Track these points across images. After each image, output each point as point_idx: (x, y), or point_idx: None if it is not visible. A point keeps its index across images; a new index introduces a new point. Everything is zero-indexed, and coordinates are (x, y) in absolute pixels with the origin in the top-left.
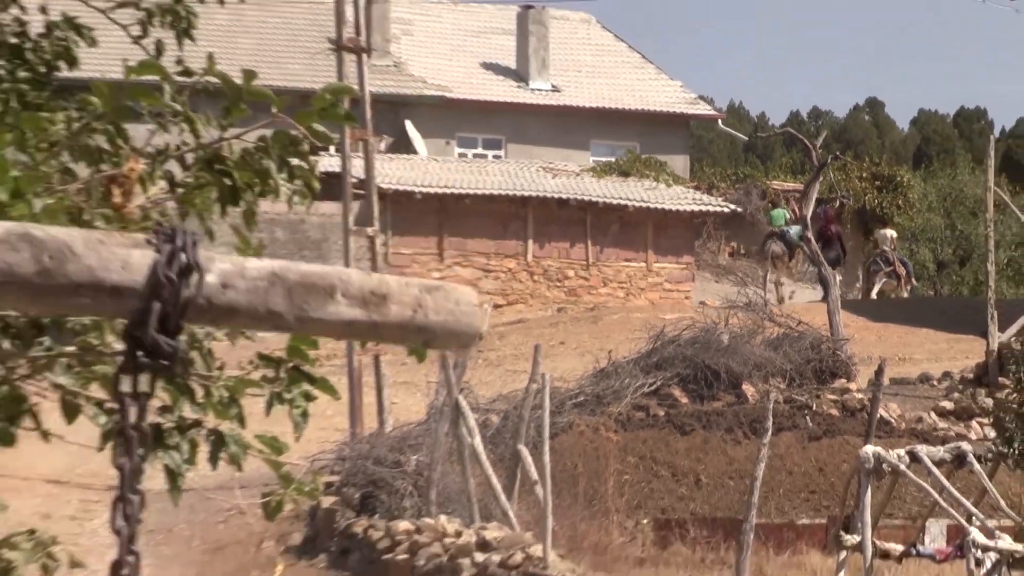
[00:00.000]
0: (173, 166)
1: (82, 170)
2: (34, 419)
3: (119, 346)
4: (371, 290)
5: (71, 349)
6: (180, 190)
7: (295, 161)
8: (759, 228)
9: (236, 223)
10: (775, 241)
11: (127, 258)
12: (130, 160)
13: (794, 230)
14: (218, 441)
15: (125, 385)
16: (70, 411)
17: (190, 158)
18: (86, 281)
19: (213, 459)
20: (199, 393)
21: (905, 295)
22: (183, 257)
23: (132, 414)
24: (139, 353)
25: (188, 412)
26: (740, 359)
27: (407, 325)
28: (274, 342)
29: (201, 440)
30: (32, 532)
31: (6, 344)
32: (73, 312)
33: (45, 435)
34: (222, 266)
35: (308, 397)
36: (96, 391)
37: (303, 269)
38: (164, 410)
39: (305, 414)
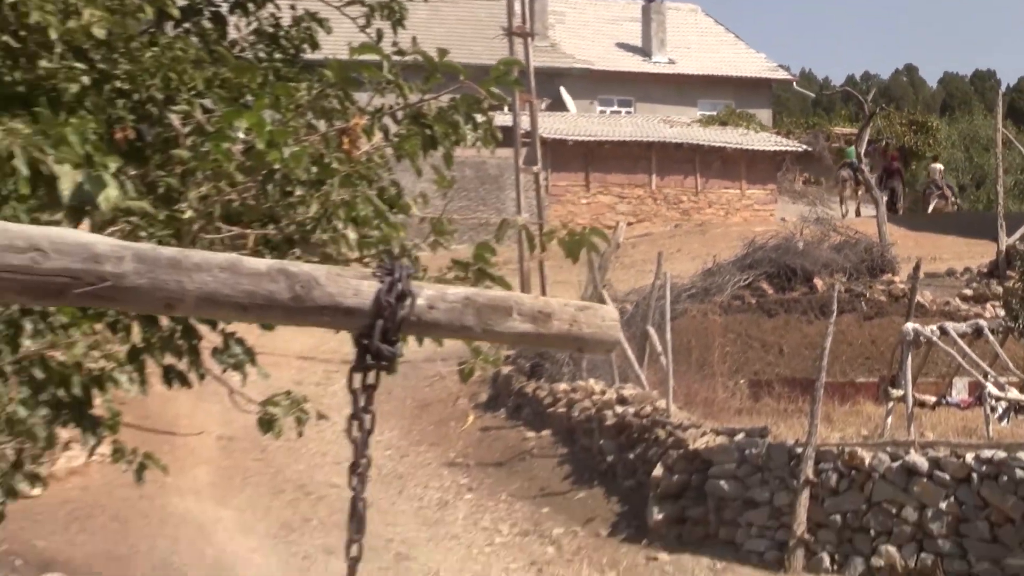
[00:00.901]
0: (388, 121)
1: (321, 126)
2: None
3: (351, 254)
4: (539, 310)
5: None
6: (394, 139)
7: (478, 117)
8: (825, 163)
9: (436, 164)
10: (845, 169)
11: (358, 287)
12: (356, 117)
13: (848, 153)
14: None
15: (356, 381)
16: None
17: (400, 115)
18: (327, 304)
19: (420, 338)
20: None
21: (951, 210)
22: (399, 286)
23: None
24: (367, 357)
25: None
26: (811, 260)
27: (565, 336)
28: (463, 252)
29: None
30: (288, 394)
31: (267, 253)
32: (317, 327)
33: None
34: (428, 292)
35: (490, 288)
36: None
37: (488, 294)
38: None
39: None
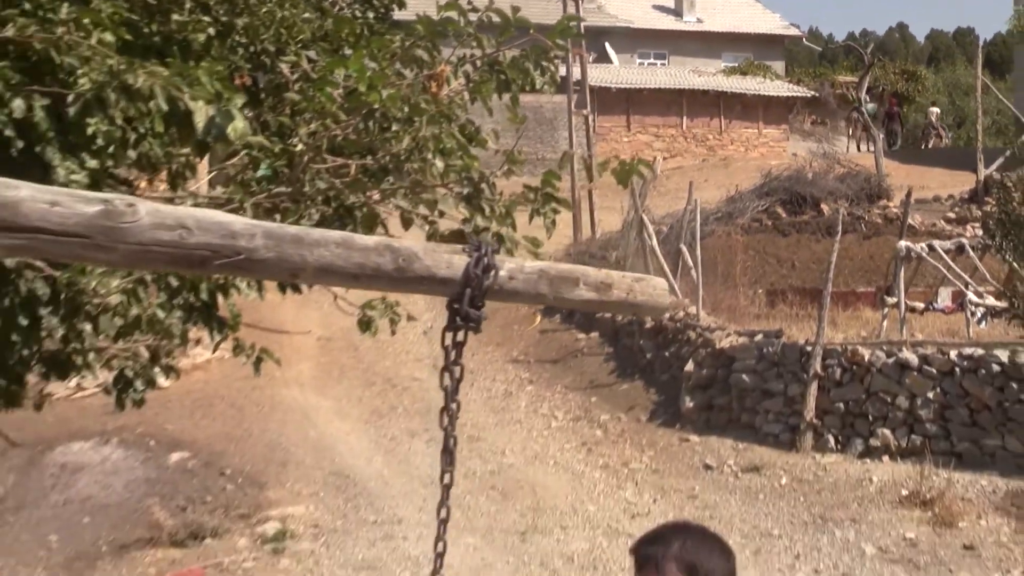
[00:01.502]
0: (468, 69)
1: (409, 73)
2: (383, 228)
3: (437, 182)
4: (601, 281)
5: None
6: (472, 84)
7: (545, 64)
8: (829, 107)
9: (506, 106)
10: (854, 111)
11: (450, 260)
12: (441, 66)
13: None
14: (499, 239)
15: (448, 339)
16: (406, 222)
17: (478, 63)
18: (425, 275)
19: (496, 251)
20: (487, 211)
21: (944, 146)
22: (485, 260)
23: (453, 355)
24: (457, 319)
25: (480, 222)
26: (819, 188)
27: (623, 303)
28: (526, 182)
29: (489, 239)
30: (383, 298)
31: (366, 180)
32: (416, 293)
33: (391, 237)
34: (509, 265)
35: (555, 211)
36: (422, 210)
37: (560, 267)
38: (464, 221)
39: (554, 223)
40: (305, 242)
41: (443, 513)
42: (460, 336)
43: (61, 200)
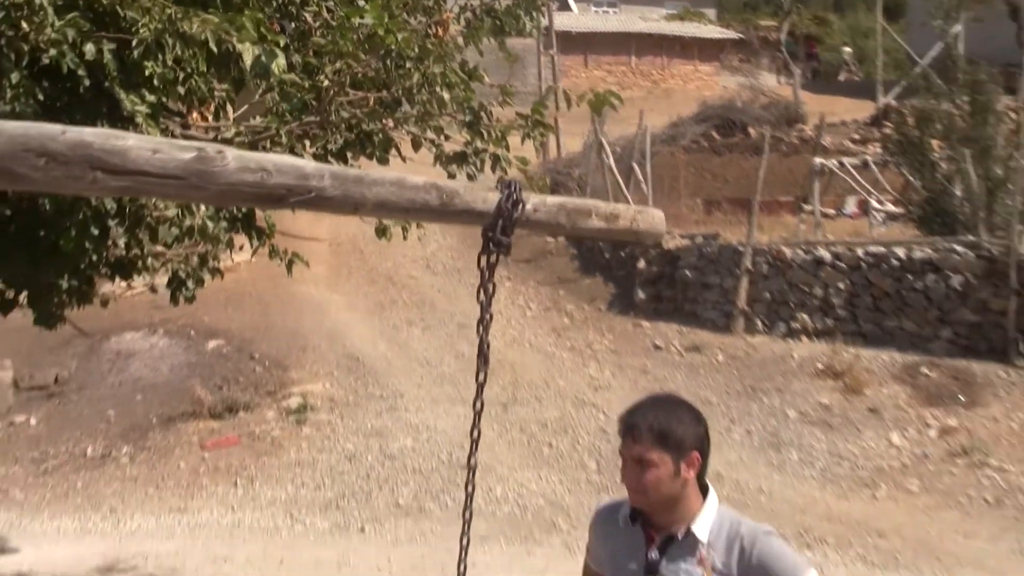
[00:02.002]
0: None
1: (415, 21)
2: (397, 150)
3: (442, 111)
4: (610, 212)
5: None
6: (471, 27)
7: (535, 12)
8: (753, 47)
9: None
10: (777, 51)
11: (486, 197)
12: (444, 14)
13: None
14: (495, 159)
15: (483, 262)
16: (416, 145)
17: (477, 12)
18: (464, 209)
19: (493, 168)
20: (485, 135)
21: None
22: (515, 196)
23: (488, 275)
24: (491, 245)
25: (479, 145)
26: (746, 115)
27: (627, 230)
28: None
29: (487, 159)
30: None
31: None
32: (457, 224)
33: (403, 158)
34: (534, 200)
35: (542, 135)
36: (430, 135)
37: (575, 202)
38: (466, 144)
39: (543, 145)
40: (365, 182)
41: (478, 406)
42: (493, 259)
43: (161, 148)
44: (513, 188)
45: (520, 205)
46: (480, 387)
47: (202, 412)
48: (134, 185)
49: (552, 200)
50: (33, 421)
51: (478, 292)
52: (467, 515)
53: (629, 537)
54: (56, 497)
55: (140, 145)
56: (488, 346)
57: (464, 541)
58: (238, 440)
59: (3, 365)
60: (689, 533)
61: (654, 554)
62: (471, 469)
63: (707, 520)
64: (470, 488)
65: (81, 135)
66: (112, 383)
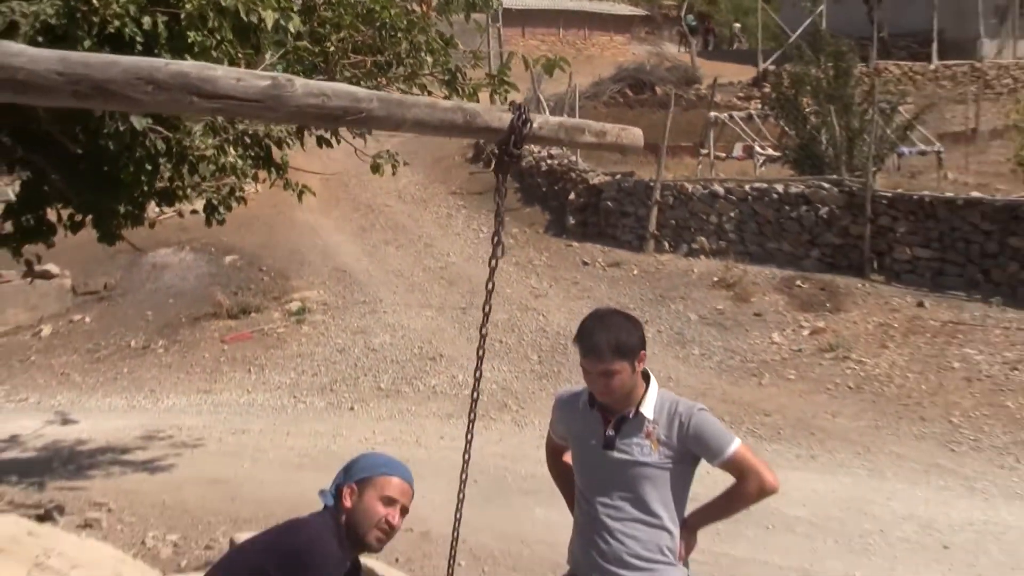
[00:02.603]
0: None
1: None
2: None
3: (426, 72)
4: (599, 130)
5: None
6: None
7: None
8: (657, 21)
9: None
10: (681, 25)
11: (501, 117)
12: None
13: (689, 20)
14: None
15: (499, 169)
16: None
17: None
18: (484, 127)
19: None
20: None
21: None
22: (524, 116)
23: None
24: (505, 156)
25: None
26: (654, 76)
27: (613, 144)
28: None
29: None
30: (388, 151)
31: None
32: (477, 139)
33: None
34: (539, 119)
35: (506, 92)
36: (415, 91)
37: (572, 122)
38: (445, 99)
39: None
40: (405, 104)
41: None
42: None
43: (244, 77)
44: (523, 110)
45: (528, 123)
46: (491, 271)
47: (221, 313)
48: (223, 107)
49: (553, 120)
50: (88, 319)
51: (495, 196)
52: (473, 414)
53: (588, 419)
54: (107, 380)
55: (227, 75)
56: (504, 249)
57: (471, 417)
58: (251, 336)
59: (64, 274)
60: (638, 413)
61: (611, 432)
62: (478, 361)
63: (651, 402)
64: (478, 376)
65: (180, 67)
66: (149, 289)
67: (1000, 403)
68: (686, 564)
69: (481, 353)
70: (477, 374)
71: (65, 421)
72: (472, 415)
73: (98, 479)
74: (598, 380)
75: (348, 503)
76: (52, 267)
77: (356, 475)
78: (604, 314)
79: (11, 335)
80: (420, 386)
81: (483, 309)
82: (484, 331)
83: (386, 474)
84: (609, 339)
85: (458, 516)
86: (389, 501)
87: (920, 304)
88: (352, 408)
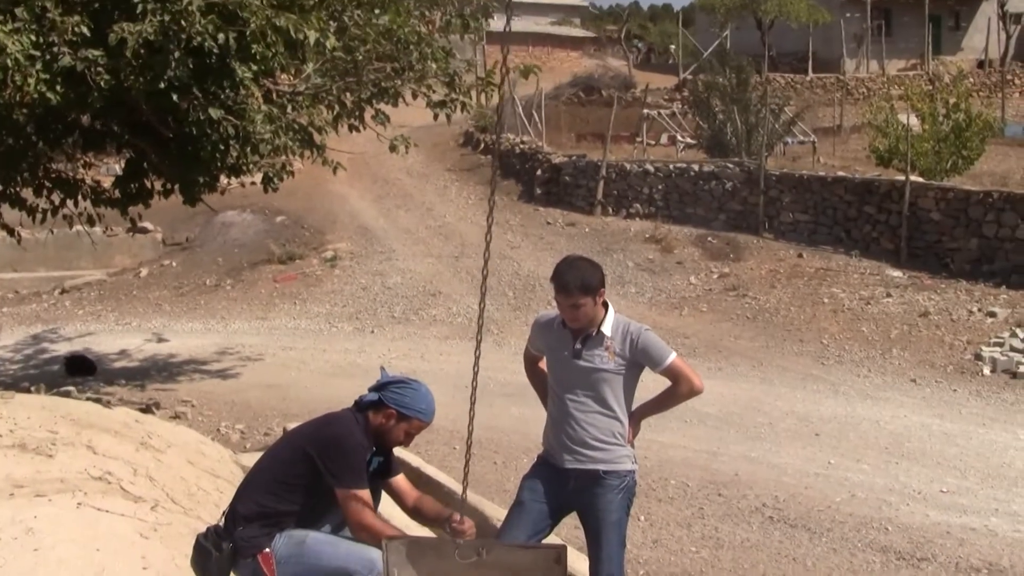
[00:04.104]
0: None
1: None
2: (403, 99)
3: (431, 76)
4: None
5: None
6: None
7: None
8: (603, 42)
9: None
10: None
11: None
12: (436, 14)
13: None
14: (463, 104)
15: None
16: (414, 95)
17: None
18: None
19: (462, 110)
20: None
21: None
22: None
23: None
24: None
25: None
26: (601, 83)
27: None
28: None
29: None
30: (402, 135)
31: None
32: None
33: (407, 103)
34: None
35: (491, 91)
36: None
37: None
38: (446, 95)
39: (490, 96)
40: None
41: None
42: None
43: None
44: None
45: None
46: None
47: (273, 259)
48: None
49: None
50: (174, 264)
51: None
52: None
53: (561, 336)
54: (189, 309)
55: None
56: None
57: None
58: (296, 277)
59: (156, 230)
60: (599, 332)
61: (578, 345)
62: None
63: (609, 323)
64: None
65: None
66: (220, 241)
67: (857, 329)
68: (632, 446)
69: (483, 290)
70: (482, 305)
71: (159, 340)
72: (478, 337)
73: (184, 383)
74: (568, 311)
75: (384, 421)
76: (148, 224)
77: (403, 407)
78: (573, 260)
79: (118, 275)
80: (424, 315)
81: (484, 257)
82: (485, 272)
83: (422, 420)
84: (576, 279)
85: (472, 415)
86: (413, 435)
87: (800, 255)
88: (372, 331)
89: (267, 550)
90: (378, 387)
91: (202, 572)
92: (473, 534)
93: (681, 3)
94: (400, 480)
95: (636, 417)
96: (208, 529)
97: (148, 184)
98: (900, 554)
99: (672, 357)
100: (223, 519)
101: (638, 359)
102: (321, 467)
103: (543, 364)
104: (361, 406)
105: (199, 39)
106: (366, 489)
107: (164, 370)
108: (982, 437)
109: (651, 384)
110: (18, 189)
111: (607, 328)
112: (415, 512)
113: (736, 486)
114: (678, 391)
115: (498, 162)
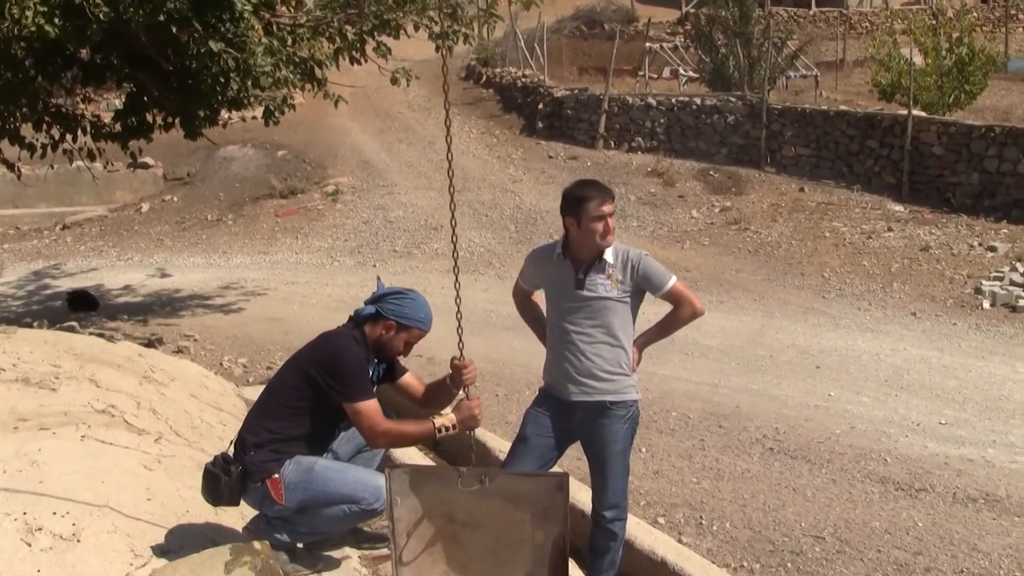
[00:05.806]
0: None
1: None
2: (405, 31)
3: (435, 8)
4: None
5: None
6: None
7: None
8: None
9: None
10: None
11: None
12: None
13: None
14: (465, 36)
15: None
16: (416, 27)
17: None
18: None
19: (464, 42)
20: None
21: None
22: None
23: None
24: None
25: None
26: (603, 16)
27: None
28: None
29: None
30: (403, 68)
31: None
32: None
33: (408, 36)
34: None
35: (494, 24)
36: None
37: None
38: (448, 27)
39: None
40: None
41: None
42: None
43: None
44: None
45: None
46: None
47: (275, 194)
48: None
49: None
50: (175, 199)
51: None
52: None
53: (561, 267)
54: (191, 244)
55: None
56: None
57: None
58: (297, 211)
59: (157, 165)
60: (601, 260)
61: (581, 275)
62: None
63: (610, 251)
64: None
65: None
66: (221, 176)
67: (858, 263)
68: (635, 374)
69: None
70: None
71: (162, 275)
72: (456, 270)
73: (186, 317)
74: (608, 221)
75: (383, 333)
76: (149, 159)
77: (402, 317)
78: (587, 180)
79: (119, 211)
80: (425, 249)
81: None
82: (451, 173)
83: (422, 328)
84: (592, 192)
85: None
86: (412, 345)
87: (801, 189)
88: (375, 265)
89: (276, 475)
90: (375, 299)
91: (213, 498)
92: (475, 370)
93: None
94: (408, 377)
95: (639, 345)
96: (216, 457)
97: (149, 118)
98: (899, 485)
99: (673, 280)
100: (231, 447)
101: (640, 285)
102: (325, 386)
103: (535, 297)
104: (358, 320)
105: None
106: (374, 399)
107: (167, 305)
108: (981, 370)
109: (652, 318)
110: (17, 124)
111: (609, 256)
112: (426, 402)
113: (737, 418)
114: (680, 314)
115: (447, 66)
